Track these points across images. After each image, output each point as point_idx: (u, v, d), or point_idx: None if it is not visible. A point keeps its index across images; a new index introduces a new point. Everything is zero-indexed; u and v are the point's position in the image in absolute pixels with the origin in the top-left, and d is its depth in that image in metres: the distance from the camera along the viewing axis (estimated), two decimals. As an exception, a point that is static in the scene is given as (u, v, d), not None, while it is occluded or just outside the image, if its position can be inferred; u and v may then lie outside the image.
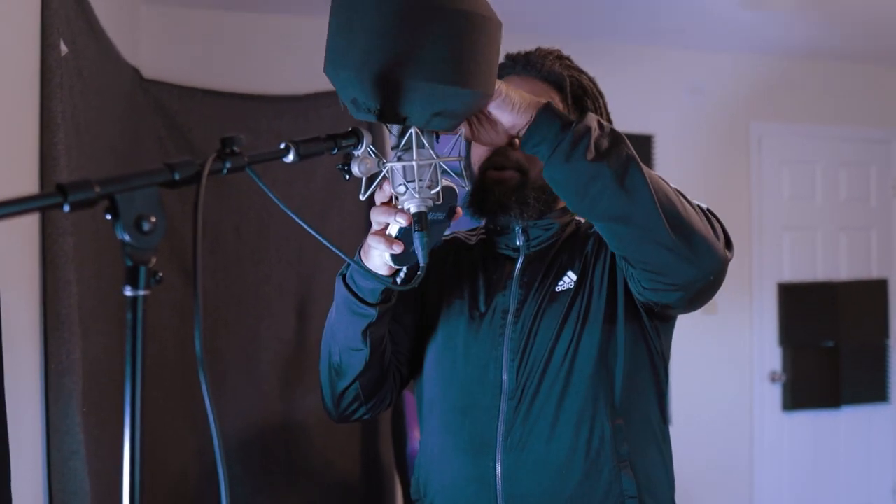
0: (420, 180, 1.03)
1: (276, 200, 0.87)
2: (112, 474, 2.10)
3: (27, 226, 1.80)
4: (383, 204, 1.11)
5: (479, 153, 1.36)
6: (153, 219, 0.69)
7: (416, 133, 1.01)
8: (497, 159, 1.33)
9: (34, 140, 1.83)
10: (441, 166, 1.06)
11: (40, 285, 1.85)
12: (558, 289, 1.31)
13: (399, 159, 1.03)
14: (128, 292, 0.69)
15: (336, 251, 0.94)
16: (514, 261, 1.38)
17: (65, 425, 1.83)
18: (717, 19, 3.51)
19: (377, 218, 1.11)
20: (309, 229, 0.89)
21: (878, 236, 4.34)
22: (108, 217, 0.68)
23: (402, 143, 1.03)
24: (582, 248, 1.35)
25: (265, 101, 3.29)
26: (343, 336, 1.24)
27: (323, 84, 3.43)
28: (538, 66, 1.36)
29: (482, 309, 1.35)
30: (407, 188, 1.04)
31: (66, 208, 0.65)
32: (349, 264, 1.20)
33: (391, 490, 3.35)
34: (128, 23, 2.98)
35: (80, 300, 1.92)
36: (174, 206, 2.94)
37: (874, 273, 4.30)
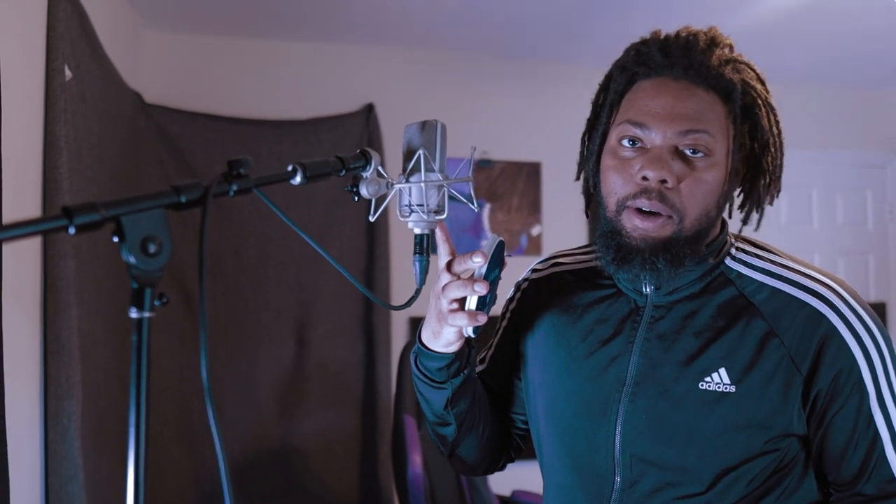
0: (428, 202, 1.03)
1: (291, 225, 0.86)
2: (110, 499, 2.08)
3: (29, 249, 1.80)
4: (452, 281, 1.03)
5: (619, 181, 1.04)
6: (159, 241, 0.69)
7: (425, 155, 1.01)
8: (646, 200, 1.01)
9: (37, 163, 1.83)
10: (450, 189, 1.06)
11: (41, 308, 1.85)
12: (702, 386, 1.02)
13: (407, 181, 1.04)
14: (133, 314, 0.68)
15: (366, 292, 0.93)
16: (639, 311, 1.09)
17: (63, 449, 1.82)
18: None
19: (451, 295, 1.01)
20: (338, 266, 0.88)
21: (876, 260, 4.35)
22: (116, 239, 0.67)
23: (411, 165, 1.03)
24: (757, 340, 1.02)
25: (266, 125, 3.31)
26: (430, 411, 1.18)
27: (322, 109, 3.48)
28: (703, 69, 1.04)
29: (594, 371, 1.10)
30: (412, 210, 1.04)
31: (72, 231, 0.64)
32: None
33: (390, 516, 3.33)
34: (130, 47, 3.00)
35: (80, 323, 1.92)
36: (173, 230, 2.92)
37: (872, 297, 4.31)
